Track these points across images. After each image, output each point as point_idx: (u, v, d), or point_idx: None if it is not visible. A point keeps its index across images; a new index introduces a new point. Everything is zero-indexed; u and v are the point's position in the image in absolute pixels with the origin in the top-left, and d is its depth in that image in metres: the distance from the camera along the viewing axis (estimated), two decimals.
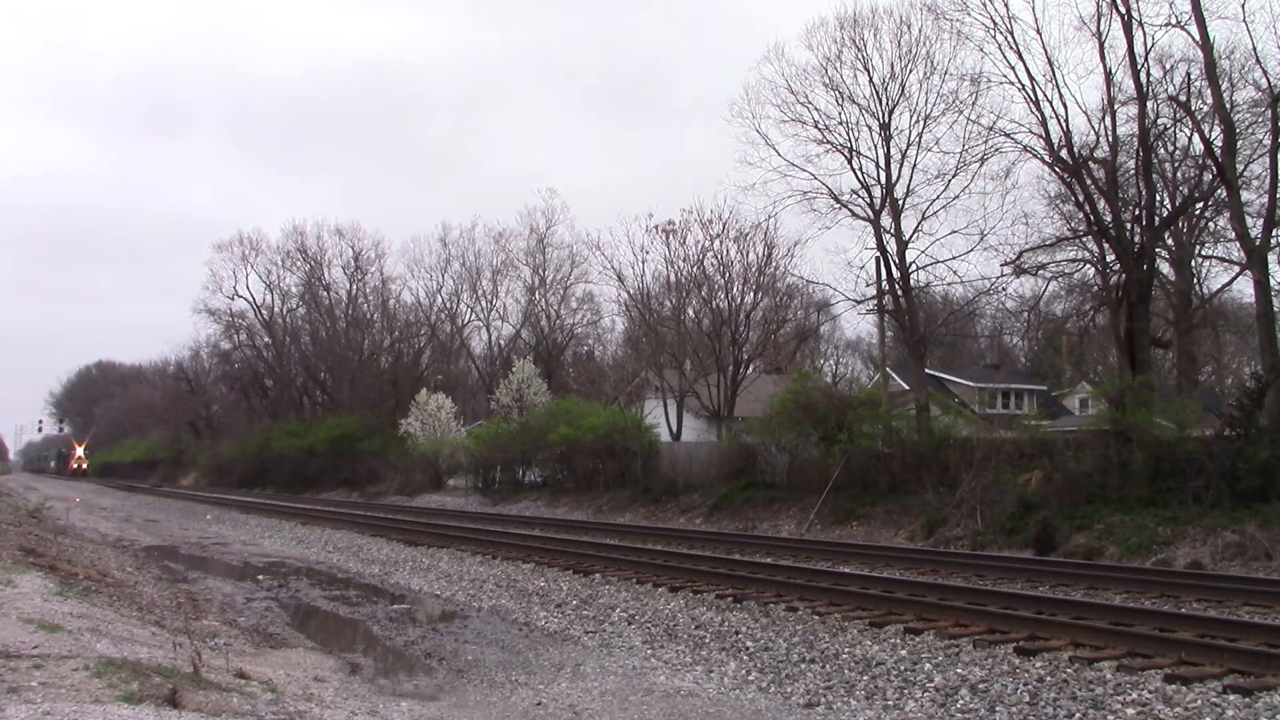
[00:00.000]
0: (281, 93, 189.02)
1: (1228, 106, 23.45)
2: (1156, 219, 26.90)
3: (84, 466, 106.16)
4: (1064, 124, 26.22)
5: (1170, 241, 31.61)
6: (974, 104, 28.06)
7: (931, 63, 29.50)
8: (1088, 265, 29.08)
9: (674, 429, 43.45)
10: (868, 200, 31.08)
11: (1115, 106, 26.14)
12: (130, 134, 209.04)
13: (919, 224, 30.42)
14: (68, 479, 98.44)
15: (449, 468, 47.79)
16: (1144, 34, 24.83)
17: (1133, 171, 26.75)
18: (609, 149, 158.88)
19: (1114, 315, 27.60)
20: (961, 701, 8.31)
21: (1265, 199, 23.93)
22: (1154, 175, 26.80)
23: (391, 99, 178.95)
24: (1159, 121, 26.31)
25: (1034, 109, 26.45)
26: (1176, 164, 28.98)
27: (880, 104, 30.56)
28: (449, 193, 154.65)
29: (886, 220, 30.62)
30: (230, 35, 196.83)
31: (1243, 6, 22.77)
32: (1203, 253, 33.16)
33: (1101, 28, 25.52)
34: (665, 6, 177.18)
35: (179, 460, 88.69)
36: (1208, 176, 26.58)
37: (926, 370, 33.98)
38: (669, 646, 11.12)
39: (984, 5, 26.46)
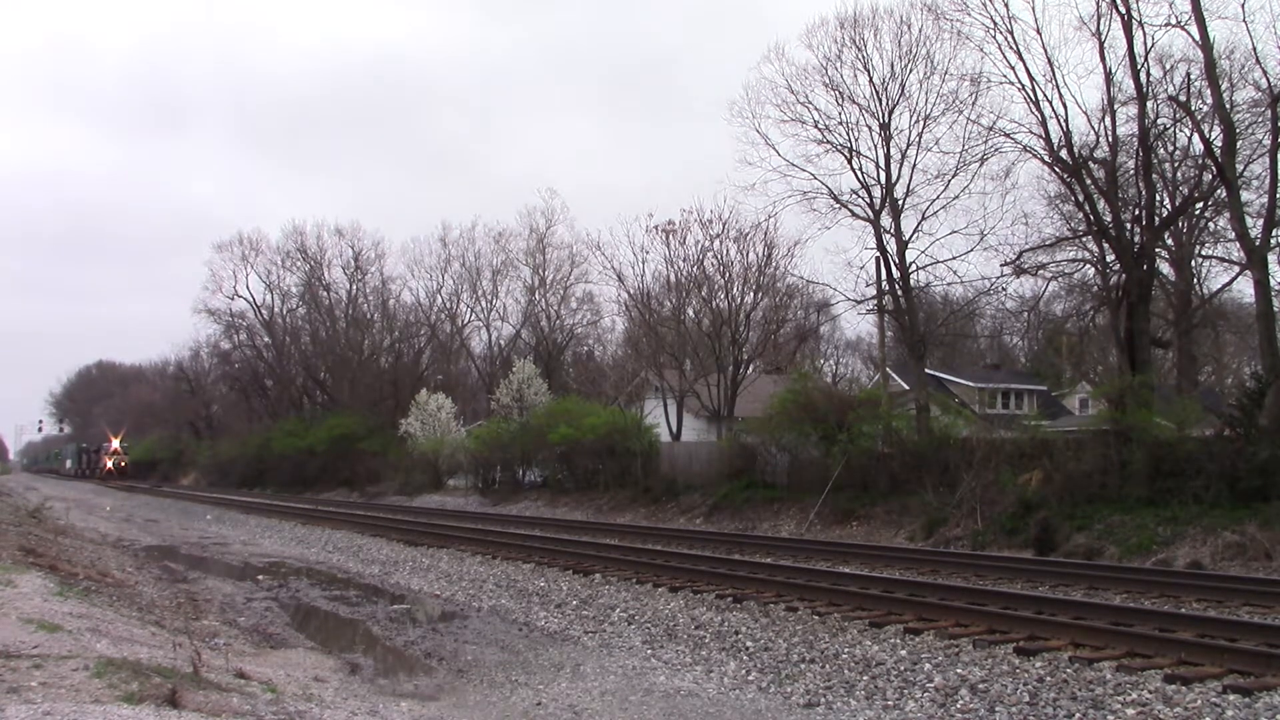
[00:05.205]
0: (284, 89, 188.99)
1: (1228, 106, 23.46)
2: (1156, 219, 26.91)
3: (125, 465, 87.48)
4: (1064, 124, 26.27)
5: (1170, 241, 31.62)
6: (974, 104, 28.09)
7: (931, 63, 29.52)
8: (1088, 265, 29.16)
9: (674, 429, 43.43)
10: (868, 200, 31.09)
11: (1115, 106, 26.19)
12: (132, 131, 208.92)
13: (919, 224, 30.45)
14: (88, 483, 79.56)
15: (449, 468, 47.79)
16: (1144, 34, 24.90)
17: (1133, 171, 26.77)
18: (615, 148, 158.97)
19: (1114, 315, 27.61)
20: (961, 701, 8.32)
21: (1265, 199, 23.95)
22: (1154, 175, 26.81)
23: (395, 97, 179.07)
24: (1159, 121, 26.36)
25: (1034, 109, 26.49)
26: (1176, 164, 29.02)
27: (880, 104, 30.56)
28: (450, 192, 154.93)
29: (886, 220, 30.61)
30: (233, 31, 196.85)
31: (1243, 6, 22.85)
32: (1203, 253, 33.20)
33: (1101, 28, 25.57)
34: (676, 5, 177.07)
35: (179, 460, 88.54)
36: (1208, 176, 26.60)
37: (926, 370, 33.98)
38: (669, 646, 11.12)
39: (984, 5, 26.49)
